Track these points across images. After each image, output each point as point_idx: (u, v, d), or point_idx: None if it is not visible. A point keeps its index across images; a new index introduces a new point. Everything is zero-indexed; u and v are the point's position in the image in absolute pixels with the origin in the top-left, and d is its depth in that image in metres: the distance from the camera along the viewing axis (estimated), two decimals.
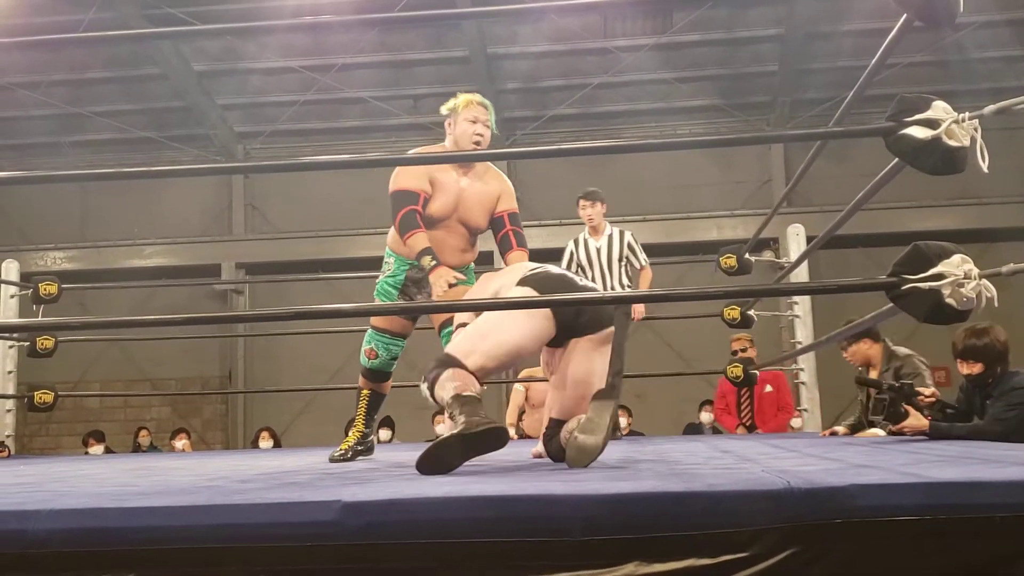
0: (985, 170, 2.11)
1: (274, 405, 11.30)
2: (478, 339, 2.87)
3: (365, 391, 4.00)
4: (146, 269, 11.52)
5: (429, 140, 11.45)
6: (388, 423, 8.77)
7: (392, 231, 3.78)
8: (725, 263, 5.58)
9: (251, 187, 12.08)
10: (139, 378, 11.51)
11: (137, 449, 9.59)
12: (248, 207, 12.11)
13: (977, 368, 4.03)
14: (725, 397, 7.33)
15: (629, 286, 5.98)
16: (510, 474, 2.50)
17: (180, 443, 9.17)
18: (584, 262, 5.95)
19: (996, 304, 2.13)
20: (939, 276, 2.08)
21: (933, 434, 3.85)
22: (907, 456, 2.65)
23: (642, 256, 6.04)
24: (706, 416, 8.71)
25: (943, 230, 10.10)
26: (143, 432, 9.85)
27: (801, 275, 6.03)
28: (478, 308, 3.00)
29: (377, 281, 3.90)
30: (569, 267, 5.99)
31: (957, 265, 2.08)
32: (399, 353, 3.95)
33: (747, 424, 7.07)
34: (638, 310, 6.22)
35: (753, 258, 5.69)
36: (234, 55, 10.69)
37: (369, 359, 3.93)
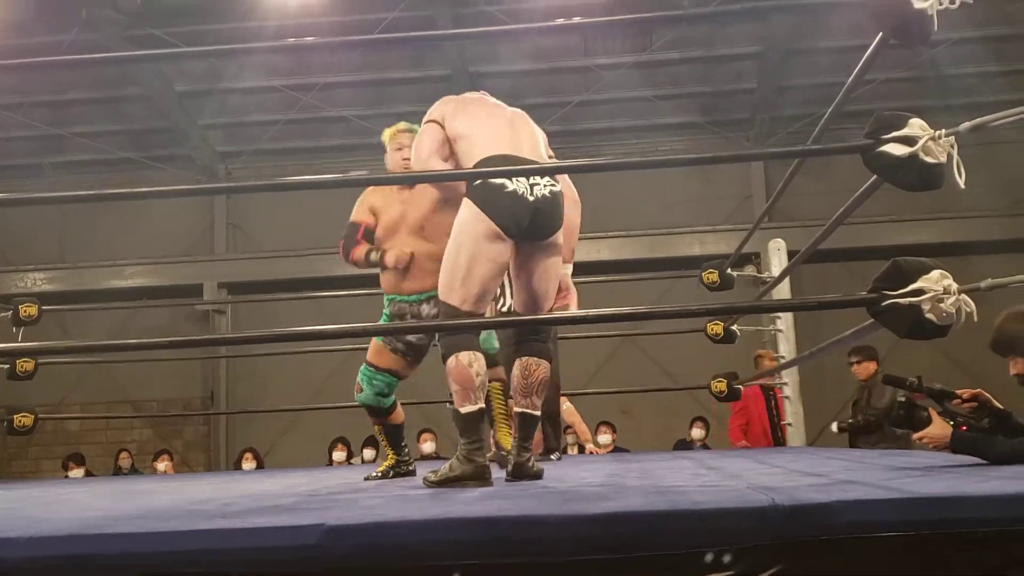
0: (962, 186, 2.13)
1: (257, 426, 11.23)
2: (456, 278, 3.05)
3: (376, 427, 4.00)
4: (127, 290, 11.43)
5: None
6: (372, 443, 8.72)
7: None
8: (707, 278, 5.60)
9: (233, 206, 12.05)
10: (120, 400, 11.42)
11: (118, 472, 9.51)
12: (230, 226, 12.06)
13: (1020, 365, 2.97)
14: (747, 410, 7.17)
15: None
16: (496, 494, 2.49)
17: (162, 465, 9.10)
18: None
19: (976, 319, 2.14)
20: (919, 292, 2.10)
21: (955, 447, 2.95)
22: (891, 471, 2.66)
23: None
24: (697, 432, 8.70)
25: (923, 243, 10.18)
26: (124, 455, 9.77)
27: (783, 290, 6.06)
28: (459, 328, 2.99)
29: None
30: None
31: (936, 281, 2.10)
32: (386, 390, 3.84)
33: (780, 443, 6.91)
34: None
35: (735, 273, 5.72)
36: (215, 75, 10.67)
37: (356, 393, 3.88)
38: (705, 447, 8.43)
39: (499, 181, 2.99)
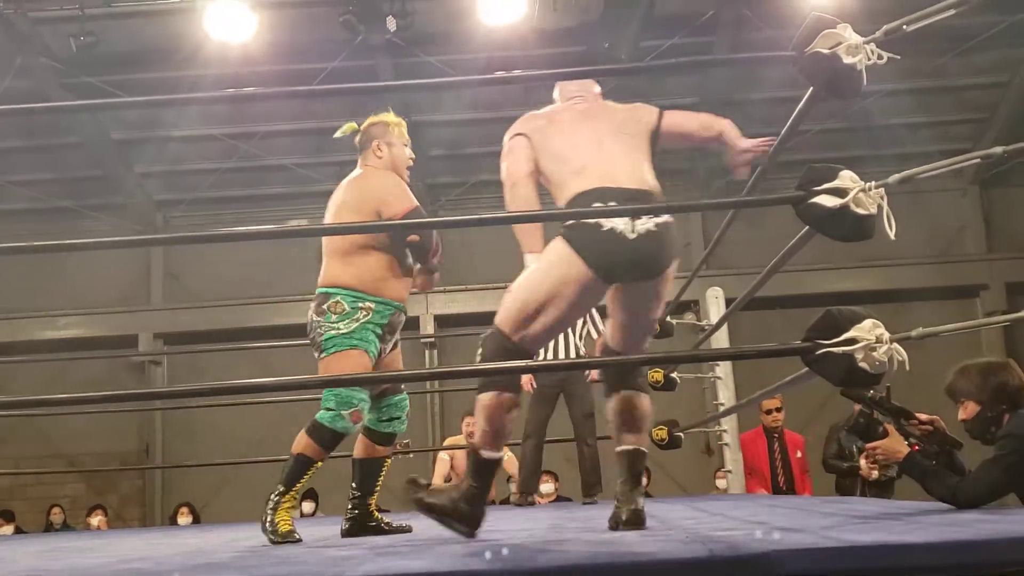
0: (892, 237, 2.18)
1: (193, 479, 10.96)
2: (525, 312, 2.74)
3: (318, 462, 3.39)
4: (60, 341, 11.16)
5: None
6: (311, 495, 8.58)
7: (348, 268, 3.44)
8: None
9: (170, 255, 11.86)
10: (52, 454, 11.08)
11: (49, 528, 9.22)
12: (167, 275, 11.87)
13: (971, 410, 3.10)
14: (752, 462, 6.87)
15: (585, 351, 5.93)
16: (436, 547, 2.46)
17: (95, 520, 8.86)
18: None
19: (908, 367, 2.18)
20: (852, 341, 2.13)
21: (906, 467, 3.03)
22: (830, 519, 2.68)
23: (601, 325, 6.03)
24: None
25: (857, 291, 10.40)
26: (55, 510, 9.49)
27: (721, 337, 6.12)
28: (442, 376, 2.96)
29: (342, 331, 3.39)
30: None
31: (869, 330, 2.14)
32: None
33: (784, 491, 6.73)
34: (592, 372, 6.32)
35: (675, 321, 5.76)
36: (153, 123, 10.56)
37: (355, 423, 3.38)
38: (647, 495, 8.43)
39: (594, 220, 2.71)
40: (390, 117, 3.73)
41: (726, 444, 6.66)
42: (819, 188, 2.26)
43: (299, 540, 3.23)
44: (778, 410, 6.77)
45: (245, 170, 11.24)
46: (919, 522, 2.30)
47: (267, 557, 2.45)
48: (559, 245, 2.74)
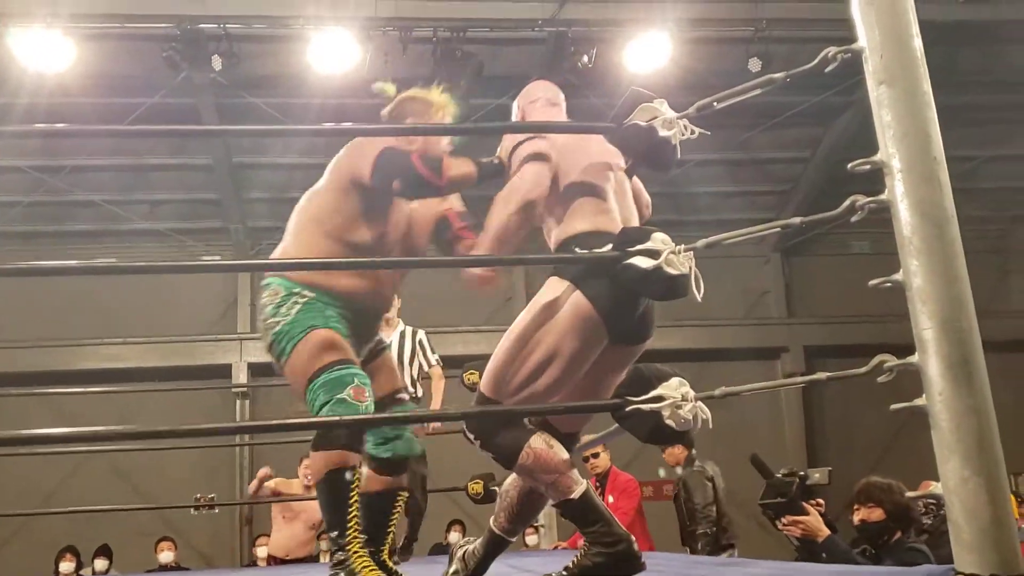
0: (699, 298, 2.27)
1: None
2: (518, 375, 2.49)
3: (352, 468, 2.61)
4: None
5: (166, 247, 10.99)
6: (105, 551, 8.06)
7: (287, 251, 2.82)
8: (469, 379, 5.62)
9: None
10: None
11: None
12: None
13: (876, 514, 3.42)
14: None
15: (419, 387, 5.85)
16: None
17: None
18: None
19: (711, 425, 2.25)
20: (659, 398, 2.19)
21: (826, 546, 3.16)
22: None
23: (432, 356, 6.06)
24: (454, 536, 8.63)
25: (670, 349, 10.76)
26: None
27: None
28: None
29: (288, 318, 2.70)
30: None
31: (675, 388, 2.21)
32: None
33: None
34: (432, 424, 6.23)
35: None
36: None
37: (360, 401, 2.59)
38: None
39: (620, 262, 2.37)
40: (435, 95, 2.99)
41: None
42: (633, 249, 2.32)
43: None
44: (595, 456, 6.81)
45: (51, 204, 10.66)
46: None
47: None
48: (557, 290, 2.46)
